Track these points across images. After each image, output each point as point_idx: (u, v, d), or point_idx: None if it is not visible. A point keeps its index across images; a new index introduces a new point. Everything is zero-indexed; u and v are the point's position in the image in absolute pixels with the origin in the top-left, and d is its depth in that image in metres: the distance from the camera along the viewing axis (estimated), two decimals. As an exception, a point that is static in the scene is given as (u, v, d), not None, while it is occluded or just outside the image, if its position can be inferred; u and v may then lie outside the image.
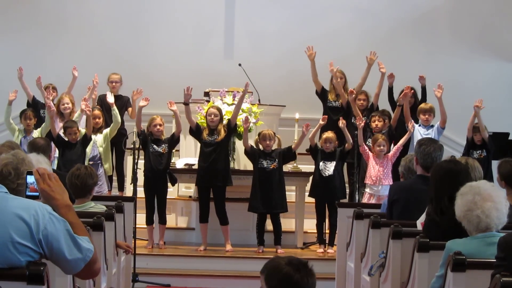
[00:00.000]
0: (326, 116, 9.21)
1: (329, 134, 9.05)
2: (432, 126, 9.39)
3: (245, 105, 9.37)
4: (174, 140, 9.00)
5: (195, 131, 8.88)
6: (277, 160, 8.86)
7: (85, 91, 10.12)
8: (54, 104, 9.48)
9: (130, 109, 10.08)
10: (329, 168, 8.93)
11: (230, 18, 11.81)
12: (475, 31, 11.94)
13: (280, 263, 2.97)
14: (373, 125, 9.16)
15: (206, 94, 9.72)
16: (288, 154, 8.98)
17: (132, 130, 8.87)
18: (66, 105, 9.37)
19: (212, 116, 8.81)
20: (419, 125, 9.36)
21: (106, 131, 9.38)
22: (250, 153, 8.88)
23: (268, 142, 8.84)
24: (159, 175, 8.86)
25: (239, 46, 11.74)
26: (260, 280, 3.03)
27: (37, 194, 3.16)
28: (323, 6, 11.87)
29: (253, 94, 9.70)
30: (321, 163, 8.96)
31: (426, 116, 9.33)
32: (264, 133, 8.91)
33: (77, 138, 8.88)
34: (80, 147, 8.88)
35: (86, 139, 8.96)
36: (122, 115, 9.98)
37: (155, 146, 8.89)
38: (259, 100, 9.76)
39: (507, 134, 10.02)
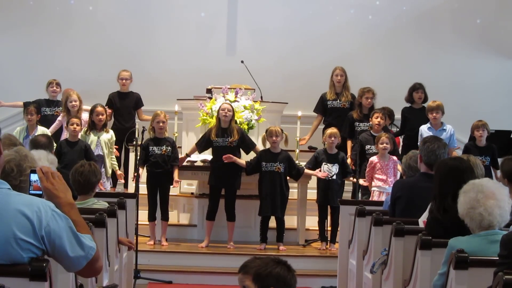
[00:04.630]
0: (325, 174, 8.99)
1: (333, 129, 9.04)
2: (444, 129, 9.31)
3: (247, 102, 9.38)
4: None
5: (205, 146, 8.88)
6: (282, 164, 8.86)
7: (90, 87, 10.18)
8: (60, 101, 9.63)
9: (140, 110, 10.13)
10: (332, 170, 8.91)
11: (233, 15, 11.80)
12: (477, 29, 11.93)
13: (268, 263, 2.93)
14: (375, 121, 9.13)
15: (209, 91, 9.72)
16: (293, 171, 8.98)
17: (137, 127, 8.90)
18: (74, 103, 9.37)
19: (226, 111, 8.77)
20: (428, 128, 9.32)
21: (110, 137, 9.27)
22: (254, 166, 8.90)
23: (274, 139, 8.83)
24: (163, 172, 8.86)
25: (241, 43, 11.73)
26: (240, 280, 2.98)
27: (40, 192, 3.16)
28: (325, 3, 11.86)
29: (256, 91, 9.70)
30: (324, 166, 8.95)
31: (434, 114, 9.28)
32: (271, 130, 8.91)
33: (77, 135, 8.83)
34: (82, 151, 8.76)
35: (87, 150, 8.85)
36: (131, 112, 10.14)
37: (154, 148, 8.87)
38: (261, 97, 9.76)
39: (509, 132, 10.01)
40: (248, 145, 8.92)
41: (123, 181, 9.58)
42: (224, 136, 8.78)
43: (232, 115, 8.82)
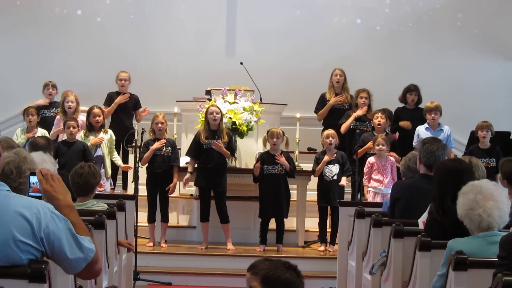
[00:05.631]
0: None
1: (329, 131, 9.06)
2: (442, 130, 9.32)
3: (246, 104, 9.38)
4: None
5: (199, 151, 8.83)
6: (283, 165, 8.85)
7: (89, 89, 10.17)
8: (58, 102, 9.64)
9: (138, 111, 10.15)
10: (332, 171, 8.91)
11: (232, 17, 11.80)
12: (477, 31, 11.93)
13: (279, 266, 2.91)
14: (376, 121, 9.13)
15: (208, 92, 9.72)
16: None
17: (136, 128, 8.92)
18: (70, 104, 9.39)
19: (214, 114, 8.78)
20: (426, 128, 9.32)
21: (110, 137, 9.30)
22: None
23: (275, 140, 8.83)
24: (162, 173, 8.86)
25: (240, 45, 11.74)
26: (247, 279, 2.95)
27: (40, 194, 3.16)
28: (325, 5, 11.86)
29: (255, 92, 9.70)
30: (324, 167, 8.94)
31: (432, 115, 9.29)
32: (272, 131, 8.91)
33: (74, 137, 8.82)
34: (80, 152, 8.75)
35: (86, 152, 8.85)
36: (129, 113, 10.15)
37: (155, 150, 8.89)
38: (260, 99, 9.76)
39: (509, 133, 10.01)
40: (233, 150, 8.93)
41: (131, 167, 9.41)
42: (215, 138, 8.78)
43: (220, 117, 8.83)
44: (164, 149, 8.90)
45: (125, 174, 10.00)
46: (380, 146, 8.71)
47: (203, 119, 9.30)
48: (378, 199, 8.55)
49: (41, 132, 9.23)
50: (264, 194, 8.88)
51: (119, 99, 9.94)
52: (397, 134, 9.92)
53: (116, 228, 5.76)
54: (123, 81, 10.15)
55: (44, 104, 9.95)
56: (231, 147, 8.90)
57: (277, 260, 2.95)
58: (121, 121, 10.03)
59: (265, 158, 8.90)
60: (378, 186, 8.70)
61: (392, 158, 8.82)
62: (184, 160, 9.42)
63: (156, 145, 8.85)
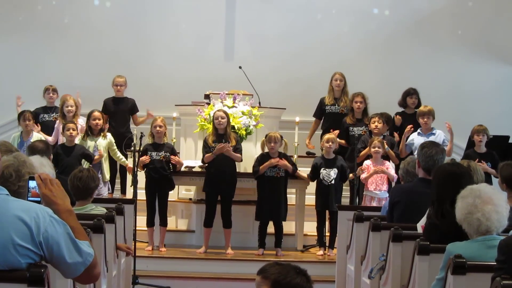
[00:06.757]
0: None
1: (330, 135, 9.06)
2: (433, 133, 9.33)
3: (245, 108, 9.39)
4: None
5: (207, 148, 8.82)
6: (282, 168, 8.86)
7: (88, 93, 10.18)
8: (57, 106, 9.64)
9: (135, 116, 10.14)
10: (330, 175, 8.91)
11: (231, 22, 11.81)
12: (476, 34, 11.94)
13: (289, 271, 2.91)
14: (373, 126, 9.13)
15: (207, 96, 9.73)
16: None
17: (134, 132, 8.91)
18: (70, 108, 9.40)
19: (220, 119, 8.78)
20: (418, 133, 9.33)
21: (109, 140, 9.32)
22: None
23: (273, 145, 8.82)
24: (161, 177, 8.86)
25: (239, 50, 11.75)
26: (257, 283, 2.95)
27: (39, 199, 3.17)
28: (323, 9, 11.88)
29: (254, 97, 9.71)
30: (322, 170, 8.95)
31: (425, 119, 9.30)
32: (270, 135, 8.91)
33: (73, 140, 8.84)
34: (80, 156, 8.77)
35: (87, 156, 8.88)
36: (125, 117, 10.16)
37: (153, 154, 8.88)
38: (259, 103, 9.77)
39: (507, 137, 10.02)
40: (241, 153, 8.94)
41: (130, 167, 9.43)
42: (223, 142, 8.78)
43: (227, 121, 8.83)
44: (162, 154, 8.90)
45: (123, 178, 10.00)
46: (376, 149, 8.72)
47: (202, 123, 9.31)
48: (374, 204, 8.56)
49: (36, 136, 9.22)
50: (262, 196, 8.87)
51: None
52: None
53: (115, 232, 5.76)
54: (118, 87, 10.15)
55: (41, 106, 9.94)
56: (240, 151, 8.89)
57: (287, 265, 2.96)
58: (117, 126, 10.01)
59: (264, 160, 8.88)
60: (374, 190, 8.71)
61: (387, 162, 8.82)
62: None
63: (145, 158, 8.79)
